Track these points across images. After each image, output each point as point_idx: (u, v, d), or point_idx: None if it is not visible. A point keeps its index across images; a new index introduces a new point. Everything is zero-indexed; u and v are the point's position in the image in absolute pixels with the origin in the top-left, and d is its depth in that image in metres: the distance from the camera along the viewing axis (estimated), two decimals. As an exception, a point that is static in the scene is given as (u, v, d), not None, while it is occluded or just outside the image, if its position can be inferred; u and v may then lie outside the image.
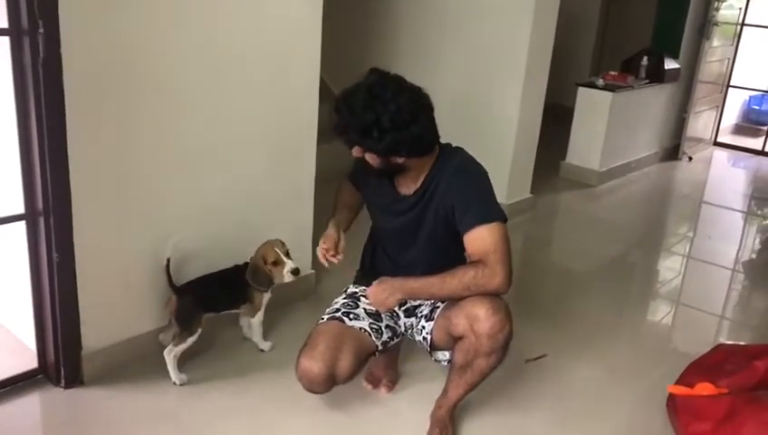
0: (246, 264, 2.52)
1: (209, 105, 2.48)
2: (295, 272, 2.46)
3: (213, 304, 2.45)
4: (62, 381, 2.32)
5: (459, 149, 2.14)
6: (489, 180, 2.08)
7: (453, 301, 2.08)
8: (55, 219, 2.13)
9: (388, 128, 1.90)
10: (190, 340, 2.35)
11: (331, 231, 2.25)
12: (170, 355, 2.35)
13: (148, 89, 2.28)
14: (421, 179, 2.09)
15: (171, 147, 2.41)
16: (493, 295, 1.99)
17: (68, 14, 1.99)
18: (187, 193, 2.51)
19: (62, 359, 2.29)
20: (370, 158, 2.01)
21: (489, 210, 2.01)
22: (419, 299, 2.17)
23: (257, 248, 2.50)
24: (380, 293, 2.09)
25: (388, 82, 1.96)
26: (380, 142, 1.93)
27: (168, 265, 2.34)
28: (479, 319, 1.97)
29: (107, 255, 2.33)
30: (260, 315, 2.57)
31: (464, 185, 2.04)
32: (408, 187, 2.13)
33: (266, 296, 2.56)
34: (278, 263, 2.46)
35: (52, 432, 2.24)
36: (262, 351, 2.61)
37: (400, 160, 2.01)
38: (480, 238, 1.97)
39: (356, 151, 2.03)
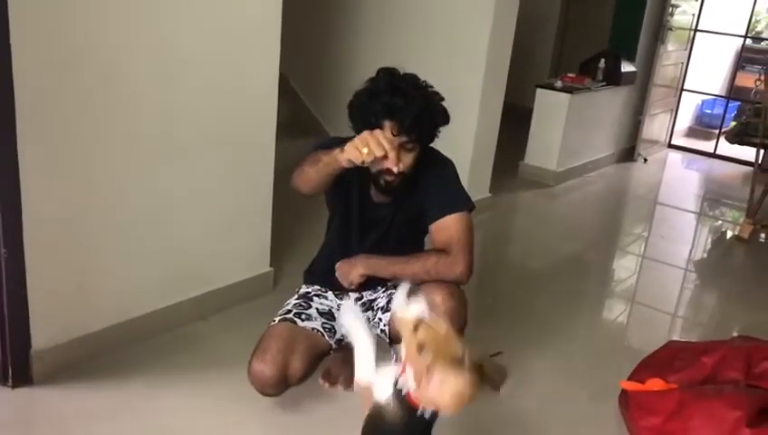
0: None
1: (163, 101, 2.44)
2: None
3: None
4: (10, 380, 2.25)
5: None
6: (455, 168, 2.13)
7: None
8: (4, 214, 2.08)
9: (440, 109, 1.98)
10: None
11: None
12: None
13: (99, 85, 2.24)
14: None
15: (124, 145, 2.37)
16: (449, 283, 2.01)
17: (18, 10, 1.94)
18: (142, 191, 2.47)
19: (10, 358, 2.23)
20: (410, 158, 1.97)
21: (454, 200, 2.05)
22: (381, 275, 2.15)
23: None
24: (345, 266, 2.12)
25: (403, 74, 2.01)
26: (436, 131, 2.00)
27: None
28: (435, 304, 1.99)
29: (58, 251, 2.28)
30: None
31: (431, 177, 2.07)
32: (382, 195, 2.11)
33: None
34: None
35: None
36: None
37: (420, 154, 2.01)
38: (445, 228, 2.01)
39: (395, 160, 1.90)
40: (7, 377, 2.25)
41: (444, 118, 2.01)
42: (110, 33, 2.22)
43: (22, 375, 2.27)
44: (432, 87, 2.02)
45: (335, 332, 2.20)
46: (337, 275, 2.14)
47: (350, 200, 2.17)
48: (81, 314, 2.40)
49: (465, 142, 4.26)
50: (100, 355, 2.43)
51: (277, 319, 2.19)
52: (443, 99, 2.02)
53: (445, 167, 2.13)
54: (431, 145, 2.13)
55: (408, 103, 1.89)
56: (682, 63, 6.79)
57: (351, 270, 2.11)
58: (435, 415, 1.41)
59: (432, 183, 2.07)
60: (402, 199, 2.09)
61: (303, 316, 2.18)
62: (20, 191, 2.10)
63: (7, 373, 2.25)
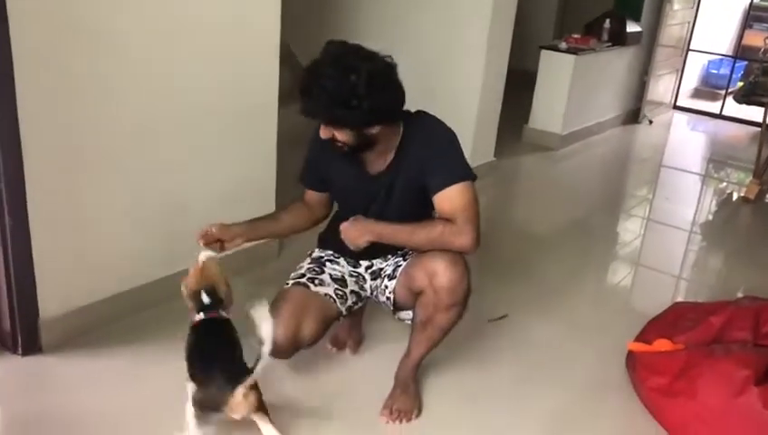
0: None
1: (164, 69, 2.42)
2: None
3: None
4: (20, 348, 2.27)
5: (422, 113, 2.11)
6: (456, 138, 2.06)
7: (413, 258, 2.10)
8: (7, 184, 2.07)
9: (365, 94, 1.85)
10: None
11: (234, 226, 2.08)
12: None
13: (100, 53, 2.21)
14: (391, 155, 2.06)
15: (126, 111, 2.34)
16: (452, 251, 2.00)
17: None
18: (145, 159, 2.45)
19: (19, 326, 2.25)
20: (343, 135, 1.95)
21: (458, 170, 2.01)
22: (387, 243, 2.13)
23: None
24: (353, 231, 2.08)
25: (352, 50, 1.91)
26: (358, 111, 1.87)
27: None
28: (437, 274, 1.98)
29: (63, 219, 2.27)
30: None
31: (431, 147, 2.03)
32: (377, 163, 2.09)
33: None
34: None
35: (10, 400, 2.19)
36: None
37: (375, 131, 1.96)
38: (449, 199, 1.98)
39: (325, 132, 1.95)
40: (17, 345, 2.27)
41: (371, 101, 1.87)
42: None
43: (31, 343, 2.28)
44: (377, 64, 1.89)
45: (347, 299, 2.20)
46: (342, 236, 2.12)
47: (341, 178, 2.17)
48: (87, 283, 2.41)
49: (469, 106, 4.22)
50: (108, 323, 2.44)
51: (291, 282, 2.19)
52: (380, 77, 1.88)
53: (446, 137, 2.06)
54: (428, 114, 2.09)
55: (310, 101, 1.87)
56: (688, 23, 6.68)
57: (359, 236, 2.09)
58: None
59: (430, 153, 2.02)
60: (396, 167, 2.05)
61: (317, 281, 2.18)
62: (22, 160, 2.08)
63: (17, 342, 2.27)
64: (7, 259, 2.17)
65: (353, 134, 1.95)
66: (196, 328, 1.93)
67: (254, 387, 1.78)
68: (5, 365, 2.26)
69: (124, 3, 2.23)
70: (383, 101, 1.90)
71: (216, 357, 1.85)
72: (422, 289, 2.04)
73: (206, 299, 1.93)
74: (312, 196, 2.29)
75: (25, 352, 2.28)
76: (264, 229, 2.25)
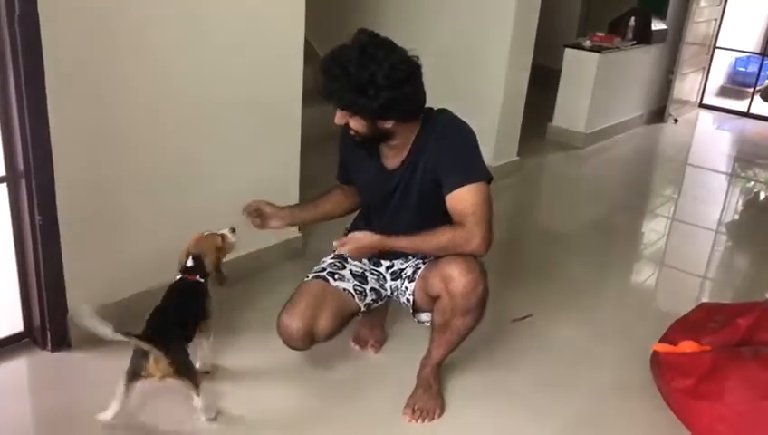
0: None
1: (190, 66, 2.44)
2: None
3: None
4: (49, 344, 2.31)
5: (443, 111, 2.10)
6: (474, 138, 2.05)
7: (431, 262, 2.10)
8: (37, 181, 2.10)
9: (384, 85, 1.86)
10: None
11: (279, 207, 2.24)
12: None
13: (127, 47, 2.24)
14: (407, 150, 2.07)
15: (153, 106, 2.37)
16: (468, 256, 1.99)
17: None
18: (170, 154, 2.48)
19: (48, 322, 2.29)
20: (356, 123, 1.96)
21: (471, 170, 1.99)
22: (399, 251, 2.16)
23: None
24: (361, 249, 2.08)
25: (380, 42, 1.92)
26: (374, 101, 1.88)
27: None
28: (453, 279, 1.98)
29: (92, 216, 2.31)
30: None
31: (447, 145, 2.02)
32: (394, 159, 2.10)
33: None
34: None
35: (40, 395, 2.24)
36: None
37: (388, 125, 1.97)
38: (460, 200, 1.97)
39: (339, 117, 1.97)
40: (46, 341, 2.31)
41: (388, 92, 1.87)
42: (136, -2, 2.22)
43: (60, 339, 2.32)
44: (401, 59, 1.90)
45: (366, 295, 2.21)
46: (346, 248, 2.07)
47: (362, 173, 2.19)
48: (115, 280, 2.44)
49: (492, 104, 4.21)
50: (135, 319, 2.45)
51: (311, 276, 2.21)
52: (401, 71, 1.88)
53: (463, 136, 2.05)
54: (449, 112, 2.08)
55: (329, 82, 1.90)
56: (715, 20, 6.59)
57: (366, 252, 2.10)
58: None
59: (446, 151, 2.01)
60: (413, 163, 2.06)
61: (337, 276, 2.19)
62: (52, 158, 2.11)
63: (46, 338, 2.31)
64: (37, 256, 2.20)
65: (366, 124, 1.96)
66: (167, 291, 2.11)
67: (170, 354, 1.89)
68: (36, 360, 2.31)
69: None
70: (400, 97, 1.91)
71: (152, 325, 2.00)
72: (438, 294, 2.05)
73: (189, 262, 2.12)
74: (348, 186, 2.33)
75: (55, 348, 2.32)
76: (305, 215, 2.35)
